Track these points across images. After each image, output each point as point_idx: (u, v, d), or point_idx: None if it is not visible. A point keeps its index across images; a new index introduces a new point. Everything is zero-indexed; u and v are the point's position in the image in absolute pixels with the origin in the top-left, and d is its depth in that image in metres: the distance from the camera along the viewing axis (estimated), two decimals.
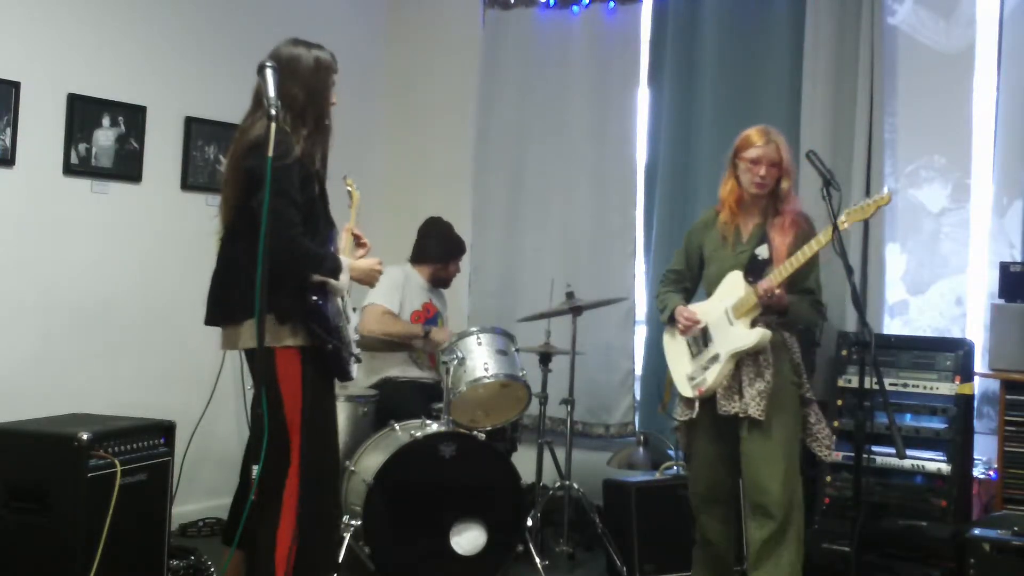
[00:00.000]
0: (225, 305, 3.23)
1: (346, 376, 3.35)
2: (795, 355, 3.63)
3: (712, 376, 3.57)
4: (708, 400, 3.62)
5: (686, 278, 3.84)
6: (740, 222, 3.68)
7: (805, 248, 3.44)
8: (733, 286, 3.60)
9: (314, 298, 3.13)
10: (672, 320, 3.75)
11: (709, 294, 3.72)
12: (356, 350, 3.37)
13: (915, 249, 4.76)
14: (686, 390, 3.69)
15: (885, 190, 3.70)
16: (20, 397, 4.07)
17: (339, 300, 3.25)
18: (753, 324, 3.55)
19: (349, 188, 3.67)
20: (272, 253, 2.95)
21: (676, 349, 3.77)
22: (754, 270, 3.59)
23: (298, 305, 3.11)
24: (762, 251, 3.60)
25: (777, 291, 3.47)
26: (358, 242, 3.54)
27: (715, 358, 3.59)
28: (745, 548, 3.73)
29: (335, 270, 3.19)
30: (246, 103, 3.28)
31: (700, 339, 3.67)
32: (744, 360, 3.55)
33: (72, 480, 3.45)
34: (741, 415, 3.53)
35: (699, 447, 3.71)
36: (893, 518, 4.14)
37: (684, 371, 3.71)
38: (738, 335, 3.54)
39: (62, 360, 4.39)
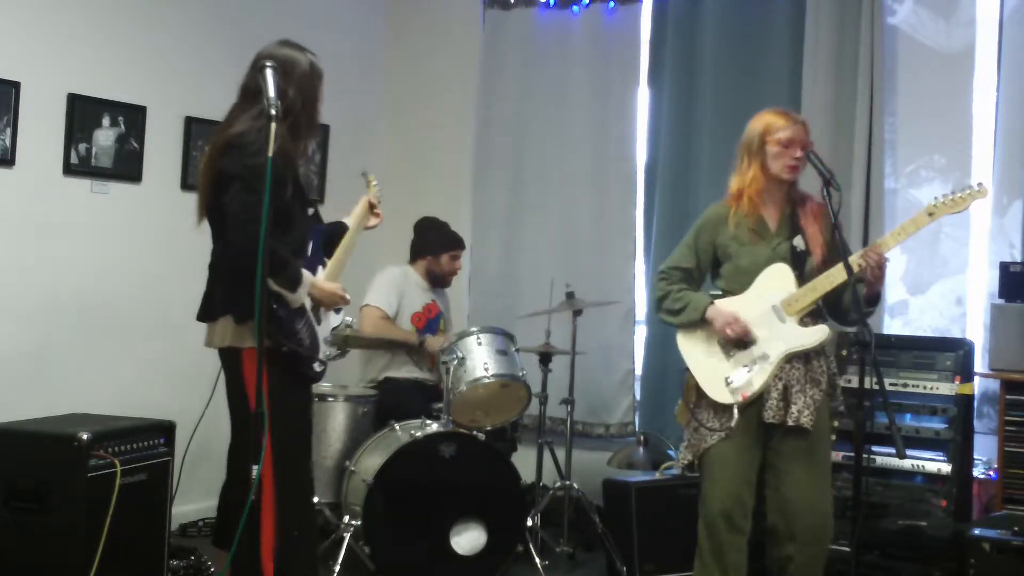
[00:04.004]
0: (207, 302, 3.27)
1: (309, 379, 3.33)
2: (832, 363, 3.43)
3: (760, 379, 3.33)
4: (749, 406, 3.35)
5: (694, 277, 3.56)
6: (763, 213, 3.46)
7: (917, 218, 3.25)
8: (779, 280, 3.38)
9: (272, 302, 3.09)
10: (702, 320, 3.44)
11: (731, 291, 3.48)
12: (325, 352, 3.34)
13: (915, 249, 4.75)
14: (722, 395, 3.38)
15: (980, 183, 3.33)
16: (20, 397, 4.07)
17: (306, 302, 3.23)
18: (803, 322, 3.35)
19: (370, 183, 3.68)
20: (235, 248, 2.96)
21: (703, 350, 3.46)
22: (795, 263, 3.40)
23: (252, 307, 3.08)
24: (798, 242, 3.42)
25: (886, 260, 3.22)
26: (372, 211, 3.60)
27: (763, 358, 3.35)
28: (775, 569, 3.49)
29: (293, 281, 3.12)
30: None
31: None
32: (793, 363, 3.34)
33: (72, 480, 3.45)
34: (791, 423, 3.31)
35: (729, 459, 3.37)
36: (893, 518, 4.13)
37: (718, 374, 3.40)
38: (793, 333, 3.34)
39: (62, 360, 4.39)
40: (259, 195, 2.76)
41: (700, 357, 3.47)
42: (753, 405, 3.37)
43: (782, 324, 3.37)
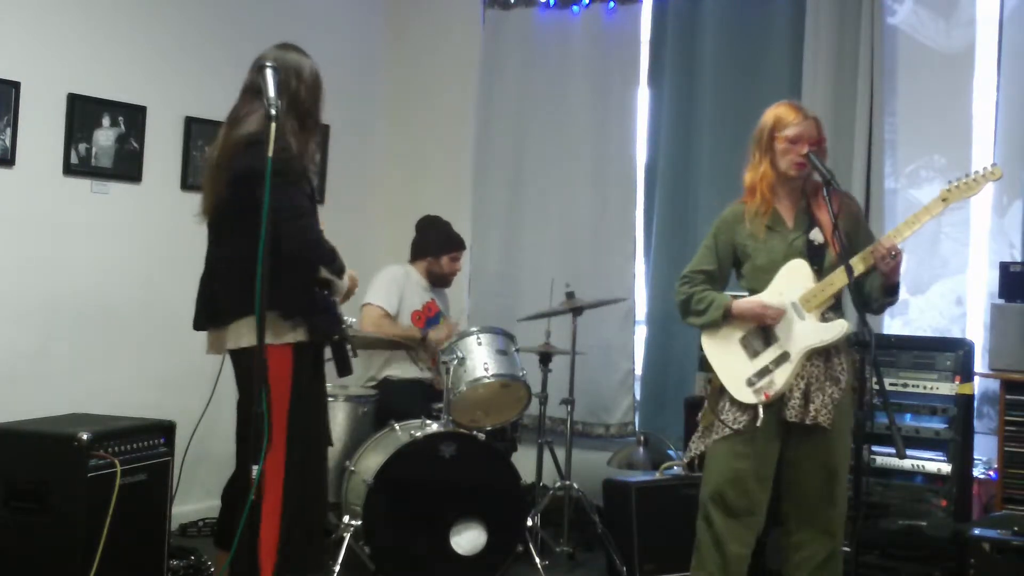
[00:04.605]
0: (212, 308, 3.22)
1: (347, 369, 3.35)
2: (856, 357, 3.39)
3: (782, 378, 3.29)
4: (771, 405, 3.32)
5: (716, 279, 3.51)
6: (778, 208, 3.41)
7: (930, 205, 3.22)
8: (796, 276, 3.34)
9: (323, 291, 3.16)
10: (726, 318, 3.39)
11: (754, 289, 3.43)
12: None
13: (915, 249, 4.74)
14: (745, 395, 3.34)
15: (995, 164, 3.30)
16: (20, 397, 4.07)
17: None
18: (824, 317, 3.31)
19: None
20: (292, 242, 2.95)
21: (725, 350, 3.42)
22: (813, 257, 3.35)
23: (303, 300, 3.10)
24: (816, 235, 3.37)
25: (898, 250, 3.18)
26: None
27: (783, 357, 3.31)
28: (786, 567, 3.46)
29: (341, 270, 3.22)
30: None
31: (759, 338, 3.37)
32: (813, 360, 3.31)
33: (72, 480, 3.46)
34: (809, 422, 3.27)
35: (739, 453, 3.34)
36: (893, 518, 4.13)
37: (741, 374, 3.37)
38: (813, 329, 3.29)
39: (62, 360, 4.39)
40: (294, 189, 2.76)
41: (723, 358, 3.44)
42: (774, 403, 3.34)
43: (802, 321, 3.32)
